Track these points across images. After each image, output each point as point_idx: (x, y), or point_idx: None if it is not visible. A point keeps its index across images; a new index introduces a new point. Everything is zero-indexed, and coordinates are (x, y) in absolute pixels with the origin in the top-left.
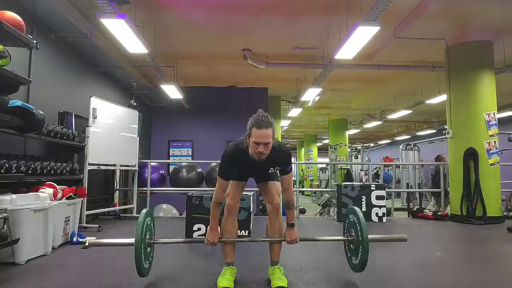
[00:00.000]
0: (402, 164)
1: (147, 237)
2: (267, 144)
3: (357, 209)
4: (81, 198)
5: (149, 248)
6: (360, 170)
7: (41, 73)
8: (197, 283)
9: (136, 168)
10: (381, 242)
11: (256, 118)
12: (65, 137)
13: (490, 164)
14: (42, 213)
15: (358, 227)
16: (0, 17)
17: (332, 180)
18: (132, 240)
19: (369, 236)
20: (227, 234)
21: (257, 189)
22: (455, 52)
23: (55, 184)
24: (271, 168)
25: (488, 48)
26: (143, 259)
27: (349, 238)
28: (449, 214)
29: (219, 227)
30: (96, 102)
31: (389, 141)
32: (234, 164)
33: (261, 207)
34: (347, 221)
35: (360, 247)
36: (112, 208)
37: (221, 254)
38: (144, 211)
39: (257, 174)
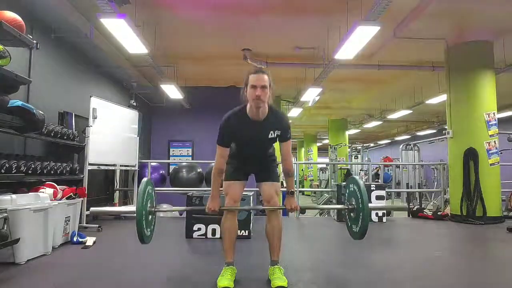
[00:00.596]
0: (402, 164)
1: (148, 205)
2: (264, 88)
3: (357, 178)
4: (81, 198)
5: (150, 216)
6: (360, 170)
7: (41, 73)
8: (197, 283)
9: (136, 168)
10: (382, 210)
11: (252, 69)
12: (65, 137)
13: (490, 164)
14: (42, 213)
15: (359, 195)
16: (0, 17)
17: (332, 180)
18: (133, 208)
19: (370, 204)
20: (227, 233)
21: (257, 189)
22: (455, 52)
23: (55, 184)
24: (271, 132)
25: (488, 48)
26: (144, 227)
27: (350, 206)
28: (449, 214)
29: (220, 195)
30: (96, 102)
31: (389, 141)
32: (233, 127)
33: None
34: (347, 190)
35: (361, 214)
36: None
37: (221, 254)
38: (144, 179)
39: (257, 142)
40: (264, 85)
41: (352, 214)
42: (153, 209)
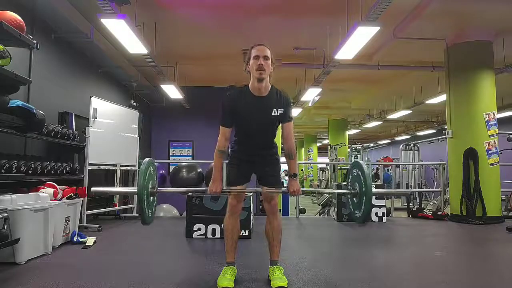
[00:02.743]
0: (402, 164)
1: (150, 186)
2: (267, 59)
3: (361, 162)
4: (81, 198)
5: (151, 197)
6: None
7: (41, 73)
8: (197, 283)
9: (136, 168)
10: (384, 195)
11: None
12: (65, 137)
13: (490, 164)
14: (42, 213)
15: (362, 179)
16: (1, 17)
17: (332, 180)
18: (134, 189)
19: (373, 190)
20: (229, 233)
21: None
22: (455, 52)
23: (55, 184)
24: (274, 109)
25: (488, 48)
26: (146, 207)
27: (353, 191)
28: (449, 214)
29: (221, 178)
30: (96, 102)
31: (389, 141)
32: (235, 105)
33: (261, 207)
34: (351, 175)
35: (364, 198)
36: (112, 208)
37: (221, 254)
38: (146, 160)
39: (260, 120)
40: (267, 55)
41: (355, 199)
42: (154, 190)
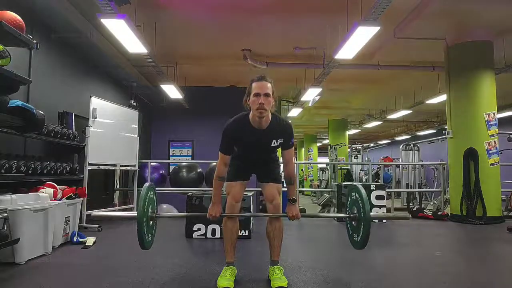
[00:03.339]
0: (402, 164)
1: (150, 210)
2: (267, 96)
3: (360, 186)
4: (81, 198)
5: (151, 222)
6: (360, 170)
7: (41, 73)
8: (197, 283)
9: (136, 168)
10: (383, 219)
11: (255, 76)
12: (65, 137)
13: (490, 164)
14: (42, 213)
15: (360, 204)
16: (0, 17)
17: (332, 180)
18: (134, 214)
19: (372, 214)
20: (228, 233)
21: (258, 189)
22: (455, 52)
23: (55, 184)
24: (274, 141)
25: (488, 48)
26: (145, 232)
27: (351, 215)
28: (449, 214)
29: (221, 202)
30: (96, 102)
31: (389, 141)
32: (235, 136)
33: (261, 207)
34: (349, 198)
35: (362, 223)
36: (112, 208)
37: (221, 254)
38: (146, 185)
39: (260, 149)
40: (268, 93)
41: (353, 222)
42: (154, 215)
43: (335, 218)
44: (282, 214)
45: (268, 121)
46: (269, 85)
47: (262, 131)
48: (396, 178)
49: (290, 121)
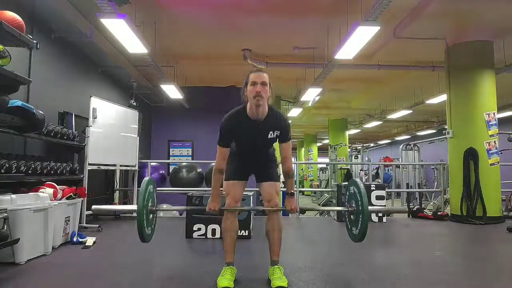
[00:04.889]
0: (402, 164)
1: (149, 204)
2: (264, 85)
3: (358, 180)
4: (81, 198)
5: (151, 215)
6: (360, 170)
7: (41, 73)
8: (197, 283)
9: (136, 168)
10: (382, 213)
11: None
12: (65, 137)
13: (490, 164)
14: (42, 213)
15: (359, 197)
16: (0, 17)
17: (332, 180)
18: (134, 207)
19: (370, 207)
20: (228, 233)
21: (257, 189)
22: (455, 52)
23: (55, 184)
24: (271, 132)
25: (488, 48)
26: (145, 225)
27: (350, 209)
28: (449, 214)
29: (220, 196)
30: (96, 102)
31: (389, 141)
32: (233, 128)
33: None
34: (348, 193)
35: (360, 216)
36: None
37: (221, 254)
38: (146, 179)
39: (257, 141)
40: (264, 81)
41: (352, 216)
42: (154, 208)
43: (335, 218)
44: (280, 208)
45: (265, 113)
46: (265, 75)
47: (259, 122)
48: (396, 181)
49: (288, 119)
